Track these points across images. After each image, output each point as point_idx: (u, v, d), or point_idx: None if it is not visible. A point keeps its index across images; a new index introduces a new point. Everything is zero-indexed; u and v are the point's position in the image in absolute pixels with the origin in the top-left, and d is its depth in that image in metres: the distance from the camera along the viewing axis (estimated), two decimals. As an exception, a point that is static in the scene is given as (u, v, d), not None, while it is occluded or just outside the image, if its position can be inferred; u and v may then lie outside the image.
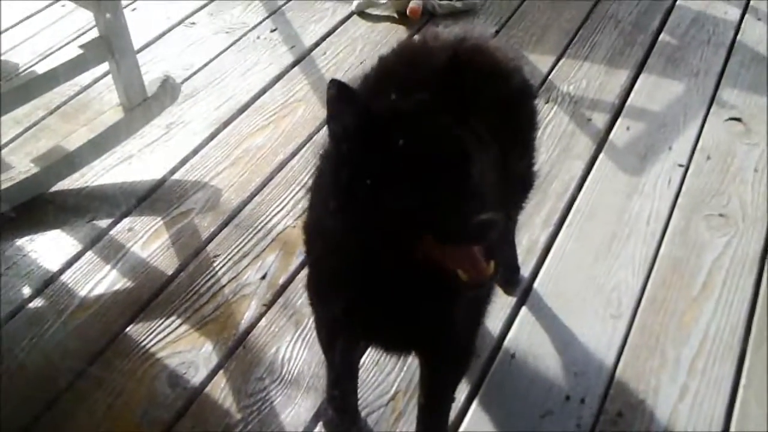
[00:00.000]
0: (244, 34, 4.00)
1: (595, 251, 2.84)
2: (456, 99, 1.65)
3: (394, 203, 1.52)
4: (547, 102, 3.52)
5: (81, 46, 3.06)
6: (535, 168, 2.42)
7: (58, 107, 3.53)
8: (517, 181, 2.29)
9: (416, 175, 1.51)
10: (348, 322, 1.91)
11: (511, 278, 2.71)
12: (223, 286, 2.73)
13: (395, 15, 4.06)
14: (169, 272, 2.78)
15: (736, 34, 3.97)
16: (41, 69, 3.03)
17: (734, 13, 4.11)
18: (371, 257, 1.65)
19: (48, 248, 2.87)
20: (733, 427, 2.32)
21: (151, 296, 2.70)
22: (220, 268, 2.80)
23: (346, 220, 1.64)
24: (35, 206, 3.01)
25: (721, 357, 2.50)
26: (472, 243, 1.50)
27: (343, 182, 1.61)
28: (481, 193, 1.53)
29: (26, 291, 2.72)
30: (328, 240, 1.80)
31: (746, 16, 4.09)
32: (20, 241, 2.89)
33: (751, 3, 4.16)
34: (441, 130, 1.58)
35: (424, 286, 1.66)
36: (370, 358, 2.47)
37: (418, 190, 1.50)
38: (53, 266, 2.80)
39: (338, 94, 1.58)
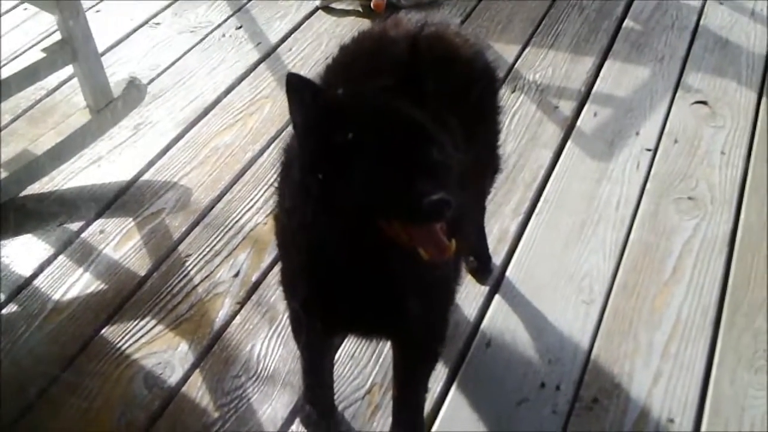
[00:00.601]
0: (209, 33, 3.99)
1: (565, 238, 2.86)
2: (414, 84, 1.67)
3: (350, 188, 1.54)
4: (513, 91, 3.54)
5: (44, 50, 3.05)
6: (501, 152, 2.44)
7: (25, 111, 3.51)
8: (483, 164, 2.31)
9: (369, 158, 1.53)
10: (319, 311, 1.91)
11: (483, 267, 2.72)
12: (196, 285, 2.73)
13: (360, 9, 4.06)
14: (142, 273, 2.78)
15: (699, 18, 4.00)
16: (5, 73, 2.99)
17: (696, -3, 4.14)
18: (336, 245, 1.68)
19: (19, 253, 2.86)
20: (707, 409, 2.34)
21: (124, 298, 2.69)
22: (193, 267, 2.79)
23: (308, 209, 1.66)
24: (5, 211, 2.98)
25: (693, 340, 2.52)
26: (427, 221, 1.51)
27: (302, 171, 1.65)
28: (436, 173, 1.53)
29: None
30: (294, 231, 1.82)
31: (708, 0, 4.11)
32: (-9, 247, 2.88)
33: (713, -13, 4.20)
34: (392, 112, 1.60)
35: (391, 270, 1.69)
36: (346, 352, 2.48)
37: (371, 173, 1.52)
38: (25, 271, 2.79)
39: (295, 86, 1.61)
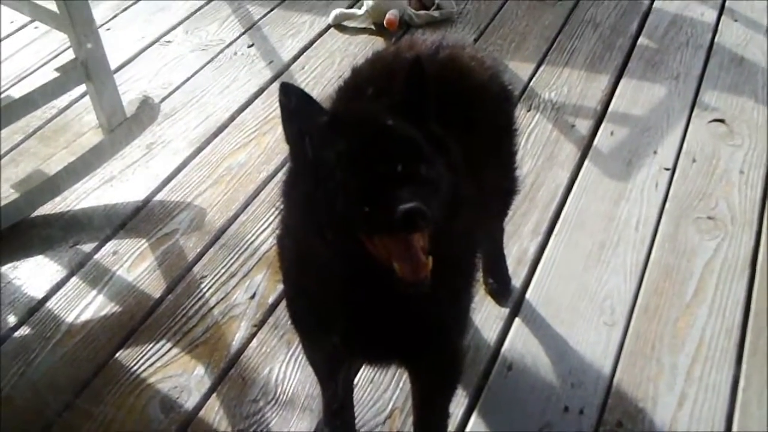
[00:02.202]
0: (221, 51, 3.98)
1: (585, 259, 2.83)
2: (414, 105, 1.64)
3: (333, 199, 1.52)
4: (529, 110, 3.51)
5: (57, 69, 3.03)
6: (518, 174, 2.42)
7: (36, 130, 3.50)
8: (499, 185, 2.28)
9: (353, 169, 1.51)
10: (326, 337, 1.86)
11: (502, 289, 2.69)
12: (212, 307, 2.70)
13: (372, 27, 4.05)
14: (157, 295, 2.75)
15: (714, 35, 3.98)
16: (17, 93, 2.98)
17: (711, 14, 4.13)
18: (328, 265, 1.66)
19: (32, 275, 2.84)
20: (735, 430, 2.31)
21: (139, 320, 2.67)
22: (208, 289, 2.77)
23: (300, 225, 1.66)
24: (17, 232, 2.97)
25: (717, 362, 2.49)
26: (401, 230, 1.46)
27: (292, 184, 1.66)
28: (419, 187, 1.50)
29: (11, 319, 2.68)
30: (292, 251, 1.82)
31: (722, 17, 4.10)
32: (3, 269, 2.85)
33: (727, 4, 4.18)
34: (383, 127, 1.58)
35: (391, 294, 1.62)
36: (365, 377, 2.45)
37: (353, 184, 1.50)
38: (38, 293, 2.76)
39: (287, 99, 1.62)
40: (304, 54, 3.94)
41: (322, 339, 1.90)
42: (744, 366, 2.47)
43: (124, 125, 3.23)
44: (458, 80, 2.06)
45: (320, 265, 1.69)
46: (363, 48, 3.90)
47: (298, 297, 1.93)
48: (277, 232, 1.94)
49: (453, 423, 2.26)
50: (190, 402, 2.42)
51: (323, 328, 1.83)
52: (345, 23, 4.09)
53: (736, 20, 4.07)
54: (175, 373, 2.50)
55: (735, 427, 2.32)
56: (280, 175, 3.17)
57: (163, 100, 3.64)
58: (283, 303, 2.64)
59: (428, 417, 2.16)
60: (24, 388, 2.47)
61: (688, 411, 2.36)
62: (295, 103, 1.63)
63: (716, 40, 3.95)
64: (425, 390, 2.10)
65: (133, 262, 2.87)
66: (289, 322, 2.48)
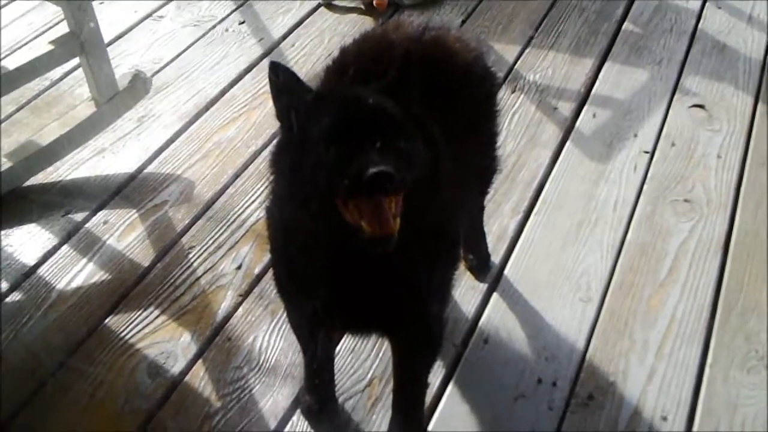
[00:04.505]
0: (213, 27, 4.03)
1: (563, 238, 2.89)
2: (401, 89, 1.72)
3: (312, 166, 1.60)
4: (513, 91, 3.57)
5: (52, 42, 3.07)
6: (500, 153, 2.48)
7: (29, 102, 3.55)
8: (480, 165, 2.35)
9: (331, 139, 1.59)
10: (308, 301, 1.93)
11: (481, 265, 2.76)
12: (199, 277, 2.76)
13: (362, 6, 4.09)
14: (146, 264, 2.81)
15: (698, 22, 4.04)
16: (11, 65, 3.02)
17: (695, 1, 4.17)
18: (314, 233, 1.73)
19: (24, 242, 2.90)
20: (699, 408, 2.38)
21: (128, 288, 2.73)
22: (196, 259, 2.83)
23: (287, 193, 1.75)
24: (9, 201, 3.03)
25: (687, 339, 2.55)
26: (369, 192, 1.54)
27: (282, 157, 1.74)
28: (393, 156, 1.57)
29: (3, 285, 2.74)
30: (278, 220, 1.90)
31: (707, 4, 4.15)
32: (-4, 236, 2.91)
33: (711, -9, 4.24)
34: (366, 104, 1.66)
35: (373, 262, 1.71)
36: (346, 346, 2.51)
37: (331, 153, 1.58)
38: (30, 260, 2.82)
39: (276, 77, 1.71)
40: (294, 32, 3.99)
41: (304, 303, 1.96)
42: (712, 344, 2.54)
43: (116, 98, 3.27)
44: (443, 61, 2.12)
45: (304, 233, 1.77)
46: (352, 27, 3.95)
47: (283, 262, 1.99)
48: (267, 202, 2.00)
49: (430, 392, 2.31)
50: (176, 367, 2.48)
51: (305, 292, 1.90)
52: (335, 2, 4.14)
53: (719, 7, 4.12)
54: (162, 340, 2.57)
55: (701, 402, 2.39)
56: (268, 150, 3.22)
57: (155, 74, 3.69)
58: (269, 274, 2.72)
59: (407, 386, 2.22)
60: (17, 349, 2.53)
61: (657, 385, 2.43)
62: (283, 81, 1.71)
63: (700, 26, 4.00)
64: (405, 359, 2.16)
65: (123, 232, 2.93)
66: (274, 293, 2.57)
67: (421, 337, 2.07)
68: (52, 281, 2.75)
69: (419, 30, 2.17)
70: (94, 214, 3.00)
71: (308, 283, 1.87)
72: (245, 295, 2.70)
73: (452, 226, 2.01)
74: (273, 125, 3.31)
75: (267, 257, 2.79)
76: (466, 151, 2.03)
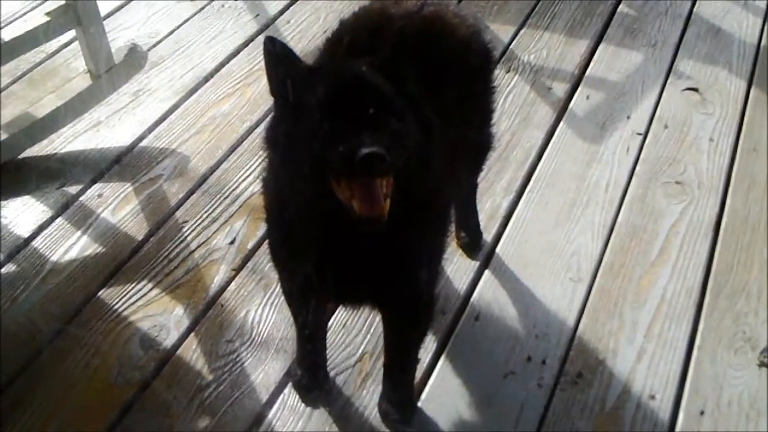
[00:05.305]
0: (209, 2, 4.03)
1: (555, 217, 2.91)
2: (395, 65, 1.73)
3: (304, 144, 1.62)
4: (508, 71, 3.58)
5: (48, 14, 3.06)
6: (494, 131, 2.49)
7: (25, 74, 3.55)
8: (475, 141, 2.37)
9: (324, 116, 1.61)
10: (301, 271, 1.95)
11: (473, 242, 2.77)
12: (193, 251, 2.78)
13: (359, -17, 4.08)
14: (139, 237, 2.83)
15: (693, 5, 4.04)
16: (7, 36, 3.01)
17: (691, -15, 4.18)
18: (303, 208, 1.77)
19: (18, 214, 2.91)
20: (687, 387, 2.41)
21: (121, 261, 2.75)
22: (190, 233, 2.84)
23: (281, 164, 1.77)
24: (5, 173, 3.03)
25: (676, 320, 2.58)
26: (360, 173, 1.56)
27: (276, 133, 1.75)
28: (385, 135, 1.58)
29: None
30: (275, 195, 1.93)
31: (702, -13, 4.16)
32: (-9, 207, 2.92)
33: (707, -25, 4.24)
34: (359, 80, 1.68)
35: (364, 237, 1.72)
36: (338, 321, 2.54)
37: (323, 130, 1.60)
38: (23, 232, 2.83)
39: (272, 51, 1.73)
40: (291, 8, 3.99)
41: (297, 273, 1.98)
42: (701, 325, 2.56)
43: (112, 72, 3.28)
44: (441, 36, 2.14)
45: (297, 204, 1.79)
46: (348, 4, 3.93)
47: (278, 231, 2.02)
48: (263, 174, 2.02)
49: (421, 367, 2.34)
50: (168, 340, 2.51)
51: (298, 260, 1.92)
52: (331, -21, 4.13)
53: (715, -9, 4.14)
54: (155, 313, 2.58)
55: (688, 381, 2.41)
56: (263, 126, 3.23)
57: (151, 48, 3.70)
58: (262, 249, 2.74)
59: (398, 360, 2.25)
60: (12, 319, 2.55)
61: (645, 365, 2.46)
62: (279, 54, 1.72)
63: (695, 10, 4.01)
64: (396, 334, 2.19)
65: (118, 205, 2.95)
66: (267, 267, 2.60)
67: (412, 311, 2.09)
68: (46, 254, 2.76)
69: (418, 4, 2.18)
70: (89, 187, 3.01)
71: (301, 252, 1.89)
72: (238, 270, 2.72)
73: (444, 199, 2.03)
74: (268, 101, 3.29)
75: (260, 232, 2.81)
76: (461, 126, 2.05)
